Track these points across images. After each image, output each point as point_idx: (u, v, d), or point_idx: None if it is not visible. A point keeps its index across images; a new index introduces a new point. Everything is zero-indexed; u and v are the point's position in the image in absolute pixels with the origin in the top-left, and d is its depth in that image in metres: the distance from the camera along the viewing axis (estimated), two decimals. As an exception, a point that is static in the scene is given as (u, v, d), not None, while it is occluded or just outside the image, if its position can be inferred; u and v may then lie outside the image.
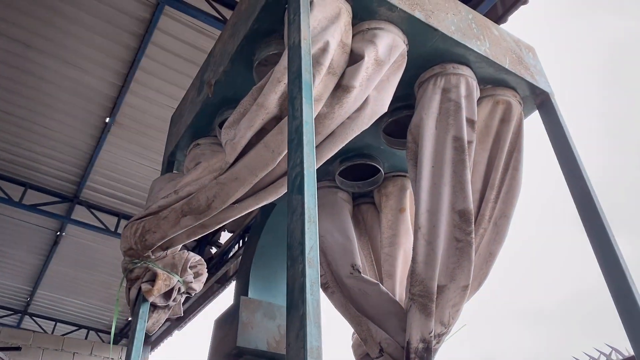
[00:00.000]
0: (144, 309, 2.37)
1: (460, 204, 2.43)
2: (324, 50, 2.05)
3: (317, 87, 2.03)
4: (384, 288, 2.78)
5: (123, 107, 6.37)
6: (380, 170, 3.02)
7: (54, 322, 12.17)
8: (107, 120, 6.55)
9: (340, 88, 2.12)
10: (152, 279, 2.38)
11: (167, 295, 2.47)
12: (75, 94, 6.31)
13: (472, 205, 2.45)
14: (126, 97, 6.21)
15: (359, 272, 2.81)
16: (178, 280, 2.47)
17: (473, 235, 2.46)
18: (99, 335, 12.35)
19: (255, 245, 3.56)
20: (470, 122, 2.47)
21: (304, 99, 1.55)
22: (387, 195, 3.10)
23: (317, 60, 2.02)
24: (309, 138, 1.46)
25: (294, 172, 1.41)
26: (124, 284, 2.48)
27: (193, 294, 2.62)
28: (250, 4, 2.42)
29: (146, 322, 2.38)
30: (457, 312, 2.55)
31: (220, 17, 5.09)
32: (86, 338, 12.12)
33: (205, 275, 2.65)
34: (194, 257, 2.60)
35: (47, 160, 7.35)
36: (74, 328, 12.22)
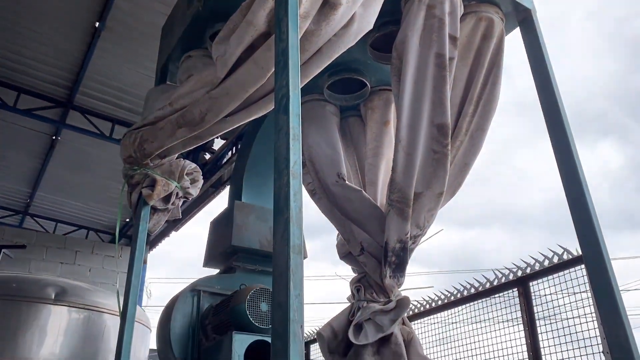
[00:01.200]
0: (145, 212, 2.59)
1: (439, 119, 2.59)
2: (311, -33, 2.10)
3: (304, 4, 2.10)
4: (366, 194, 3.01)
5: (113, 11, 6.24)
6: (366, 84, 3.14)
7: (54, 223, 12.62)
8: (97, 24, 6.44)
9: (327, 5, 2.19)
10: (152, 185, 2.58)
11: (166, 199, 2.68)
12: (62, -4, 6.16)
13: (449, 120, 2.60)
14: (115, 0, 6.08)
15: (344, 180, 3.02)
16: (176, 186, 2.67)
17: (449, 148, 2.64)
18: (98, 235, 12.88)
19: (247, 154, 3.75)
20: (453, 39, 2.57)
21: (290, 21, 1.65)
22: (372, 109, 3.24)
23: (304, -23, 2.08)
24: (295, 61, 1.58)
25: (280, 93, 1.55)
26: (125, 189, 2.67)
27: (190, 198, 2.83)
28: None
29: (147, 223, 2.61)
30: (432, 217, 2.80)
31: None
32: (86, 238, 12.64)
33: (201, 181, 2.84)
34: (190, 165, 2.79)
35: (39, 65, 7.30)
36: (75, 228, 12.70)
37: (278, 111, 1.52)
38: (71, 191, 11.06)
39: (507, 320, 3.22)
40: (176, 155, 2.72)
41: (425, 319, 4.00)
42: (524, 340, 2.98)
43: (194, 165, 2.81)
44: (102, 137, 8.31)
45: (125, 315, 2.31)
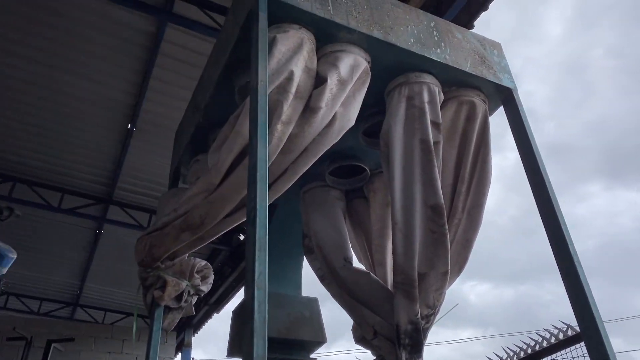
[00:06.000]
0: (159, 312, 2.72)
1: (432, 200, 2.67)
2: (289, 79, 2.31)
3: (286, 112, 2.29)
4: (374, 276, 3.07)
5: (142, 114, 6.77)
6: (366, 169, 3.28)
7: (103, 312, 12.97)
8: (129, 126, 6.97)
9: (308, 109, 2.37)
10: (163, 286, 2.73)
11: (179, 297, 2.81)
12: (98, 105, 6.74)
13: (442, 200, 2.68)
14: (144, 104, 6.59)
15: (351, 264, 3.10)
16: (187, 285, 2.81)
17: (446, 227, 2.70)
18: (145, 322, 13.10)
19: (262, 242, 3.88)
20: (435, 125, 2.69)
21: (259, 138, 1.82)
22: (374, 191, 3.35)
23: (284, 89, 2.28)
24: (262, 175, 1.74)
25: (249, 207, 1.69)
26: (140, 291, 2.83)
27: (202, 295, 2.96)
28: (226, 36, 2.69)
29: (162, 323, 2.74)
30: (440, 295, 2.82)
31: (218, 27, 5.36)
32: (134, 323, 12.86)
33: (212, 277, 2.98)
34: (200, 263, 2.94)
35: (80, 166, 7.87)
36: (122, 316, 13.00)
37: (248, 223, 1.65)
38: (116, 280, 11.43)
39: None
40: (186, 255, 2.88)
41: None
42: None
43: (204, 262, 2.96)
44: (141, 228, 8.69)
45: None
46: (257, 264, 1.51)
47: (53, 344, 7.99)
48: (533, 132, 2.69)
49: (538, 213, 2.51)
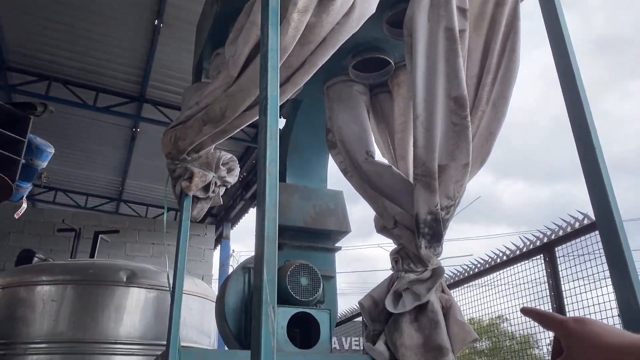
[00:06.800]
0: (187, 202, 2.85)
1: (455, 91, 2.62)
2: (305, -37, 2.20)
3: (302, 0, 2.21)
4: (395, 169, 3.10)
5: (167, 9, 6.63)
6: (390, 62, 3.19)
7: (145, 207, 13.65)
8: (156, 22, 6.87)
9: (326, -4, 2.28)
10: (191, 177, 2.83)
11: (206, 188, 2.93)
12: (123, 1, 6.63)
13: (465, 91, 2.62)
14: (168, -2, 6.45)
15: (373, 158, 3.13)
16: (213, 176, 2.91)
17: (469, 119, 2.67)
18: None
19: (288, 137, 3.93)
20: (462, 11, 2.57)
21: (270, 26, 1.78)
22: (398, 84, 3.29)
23: (300, -27, 2.18)
24: (274, 64, 1.72)
25: (261, 96, 1.70)
26: (169, 182, 2.95)
27: (229, 186, 3.07)
28: None
29: (190, 212, 2.88)
30: (461, 187, 2.85)
31: None
32: (175, 219, 13.55)
33: (238, 169, 3.07)
34: (226, 155, 3.02)
35: (111, 64, 7.91)
36: (163, 210, 13.67)
37: (260, 112, 1.67)
38: (156, 176, 11.86)
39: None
40: (212, 147, 2.95)
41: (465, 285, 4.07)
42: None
43: (229, 155, 3.03)
44: (175, 126, 8.85)
45: (173, 295, 2.59)
46: (268, 152, 1.55)
47: (100, 235, 8.53)
48: (566, 20, 2.54)
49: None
